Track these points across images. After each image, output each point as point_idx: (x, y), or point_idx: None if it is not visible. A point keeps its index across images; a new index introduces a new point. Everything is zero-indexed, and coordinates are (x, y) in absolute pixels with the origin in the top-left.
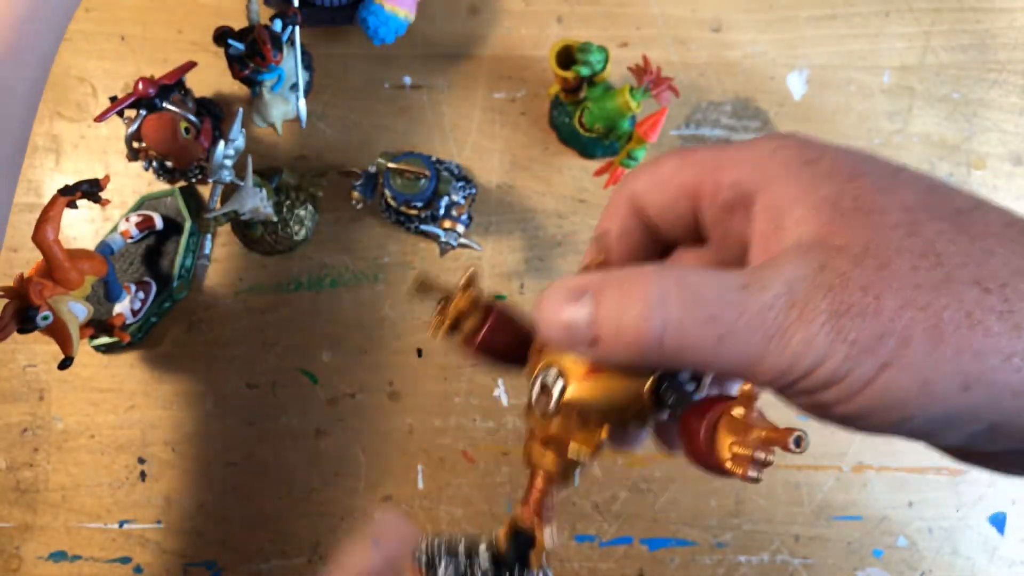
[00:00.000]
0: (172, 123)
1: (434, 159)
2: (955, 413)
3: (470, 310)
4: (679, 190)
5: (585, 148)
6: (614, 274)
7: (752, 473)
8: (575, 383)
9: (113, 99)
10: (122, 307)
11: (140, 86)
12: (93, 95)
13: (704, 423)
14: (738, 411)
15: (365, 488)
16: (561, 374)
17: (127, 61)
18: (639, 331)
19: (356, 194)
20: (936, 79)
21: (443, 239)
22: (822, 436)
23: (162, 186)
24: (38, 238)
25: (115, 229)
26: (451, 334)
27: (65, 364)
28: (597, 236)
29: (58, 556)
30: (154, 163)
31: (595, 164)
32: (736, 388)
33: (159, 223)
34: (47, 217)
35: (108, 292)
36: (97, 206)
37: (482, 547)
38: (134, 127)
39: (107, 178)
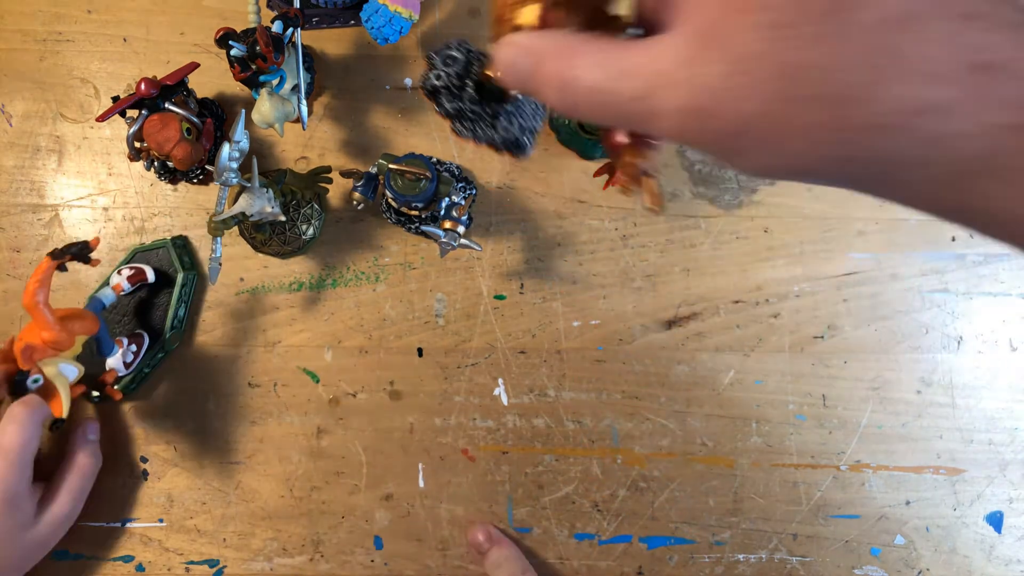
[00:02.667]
0: (174, 123)
1: (434, 160)
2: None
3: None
4: None
5: (585, 149)
6: None
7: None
8: None
9: (115, 100)
10: (114, 361)
11: (142, 86)
12: (96, 96)
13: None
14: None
15: (366, 487)
16: None
17: (130, 63)
18: None
19: (357, 195)
20: None
21: (444, 240)
22: (821, 436)
23: (164, 186)
24: (28, 303)
25: (107, 283)
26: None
27: (56, 426)
28: None
29: (60, 555)
30: (155, 163)
31: (594, 165)
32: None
33: (151, 276)
34: (37, 280)
35: (100, 347)
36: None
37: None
38: (136, 127)
39: (96, 240)
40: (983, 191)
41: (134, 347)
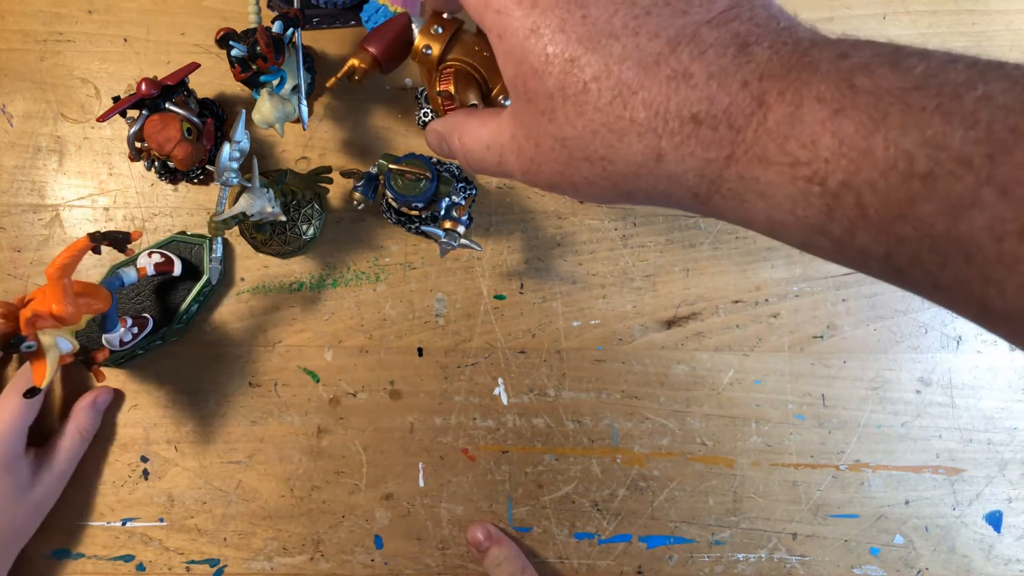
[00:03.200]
0: (174, 124)
1: (434, 160)
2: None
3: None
4: None
5: None
6: None
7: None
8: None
9: (116, 100)
10: (112, 338)
11: (143, 87)
12: (96, 96)
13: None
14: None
15: (366, 486)
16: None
17: (130, 63)
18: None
19: (358, 195)
20: None
21: (444, 240)
22: (820, 435)
23: (164, 186)
24: (52, 273)
25: (133, 261)
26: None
27: (31, 393)
28: None
29: (61, 554)
30: (156, 163)
31: None
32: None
33: (178, 269)
34: (69, 255)
35: (104, 323)
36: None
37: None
38: (136, 127)
39: (138, 233)
40: (718, 205)
41: (135, 328)
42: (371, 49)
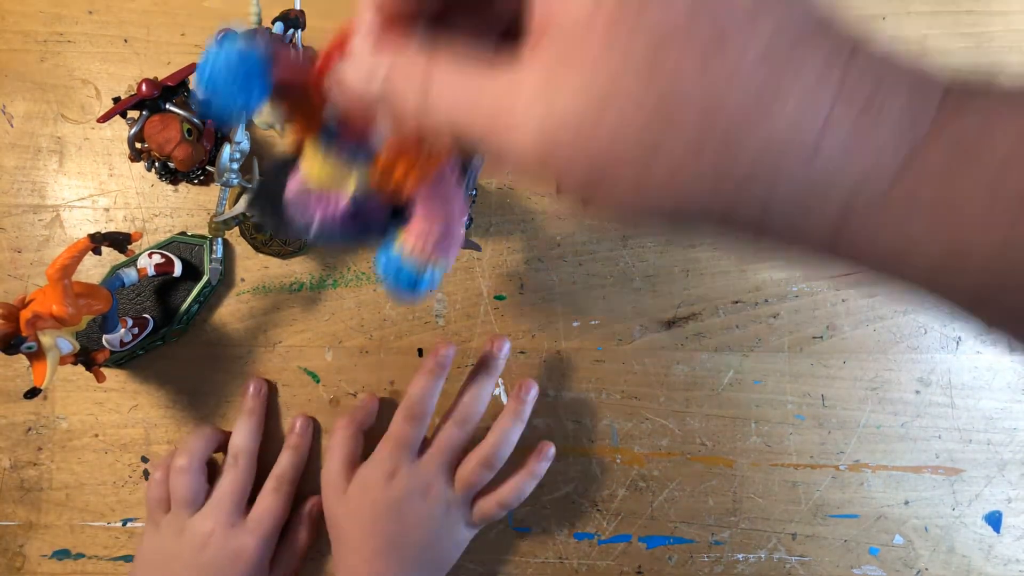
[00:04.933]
0: (175, 124)
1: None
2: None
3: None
4: None
5: None
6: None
7: None
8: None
9: (116, 100)
10: (112, 339)
11: (143, 87)
12: (96, 97)
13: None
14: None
15: None
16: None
17: (131, 64)
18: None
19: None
20: None
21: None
22: (820, 435)
23: (165, 187)
24: (52, 275)
25: (134, 261)
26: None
27: (31, 394)
28: None
29: (62, 554)
30: (156, 164)
31: None
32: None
33: (178, 271)
34: (69, 256)
35: (104, 324)
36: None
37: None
38: (137, 128)
39: (138, 234)
40: (862, 230)
41: (136, 329)
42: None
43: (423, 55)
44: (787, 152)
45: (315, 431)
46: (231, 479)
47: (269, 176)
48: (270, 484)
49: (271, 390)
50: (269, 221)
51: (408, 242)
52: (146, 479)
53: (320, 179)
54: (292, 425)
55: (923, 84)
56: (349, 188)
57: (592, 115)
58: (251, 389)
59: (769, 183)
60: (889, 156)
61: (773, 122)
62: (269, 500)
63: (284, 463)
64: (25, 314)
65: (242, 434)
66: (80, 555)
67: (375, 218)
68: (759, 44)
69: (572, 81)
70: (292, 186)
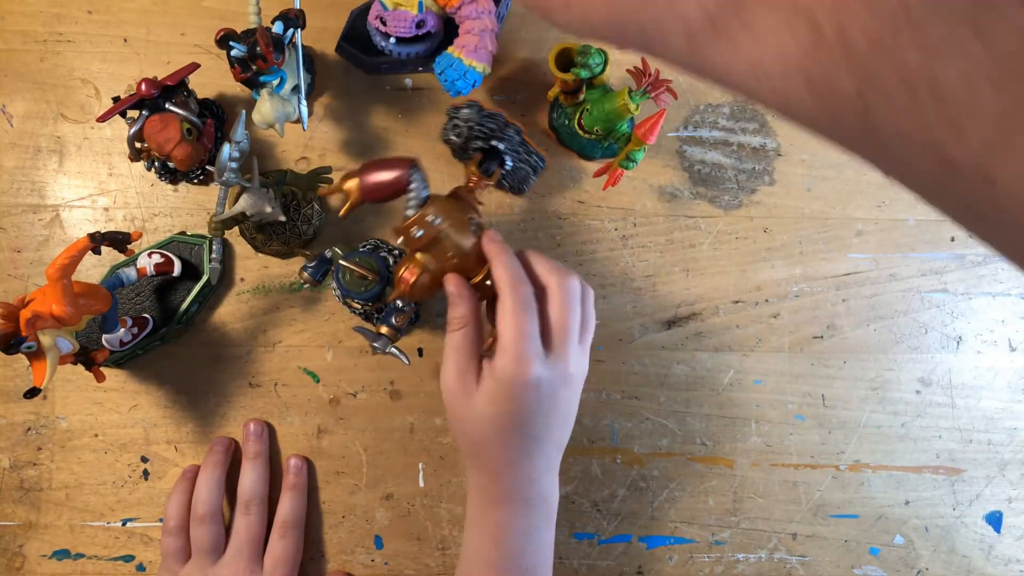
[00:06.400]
0: (174, 124)
1: (396, 252)
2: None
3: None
4: None
5: (584, 150)
6: None
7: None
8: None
9: (116, 100)
10: (112, 339)
11: (143, 87)
12: (96, 97)
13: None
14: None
15: (366, 486)
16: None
17: (130, 63)
18: None
19: (305, 275)
20: None
21: (375, 344)
22: (820, 435)
23: (164, 187)
24: (52, 274)
25: (133, 261)
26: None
27: (31, 394)
28: None
29: (62, 554)
30: (156, 164)
31: (595, 166)
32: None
33: (177, 269)
34: (69, 256)
35: (104, 324)
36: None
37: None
38: (136, 128)
39: (138, 234)
40: (704, 47)
41: (136, 329)
42: (363, 191)
43: None
44: None
45: (310, 468)
46: (246, 527)
47: (357, 18)
48: (277, 532)
49: (271, 431)
50: (354, 57)
51: (456, 50)
52: (146, 479)
53: (396, 2)
54: (287, 466)
55: None
56: (415, 7)
57: None
58: (251, 433)
59: (644, 10)
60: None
61: None
62: (279, 548)
63: (286, 508)
64: (25, 314)
65: (250, 480)
66: (80, 555)
67: (434, 33)
68: None
69: None
70: (373, 12)
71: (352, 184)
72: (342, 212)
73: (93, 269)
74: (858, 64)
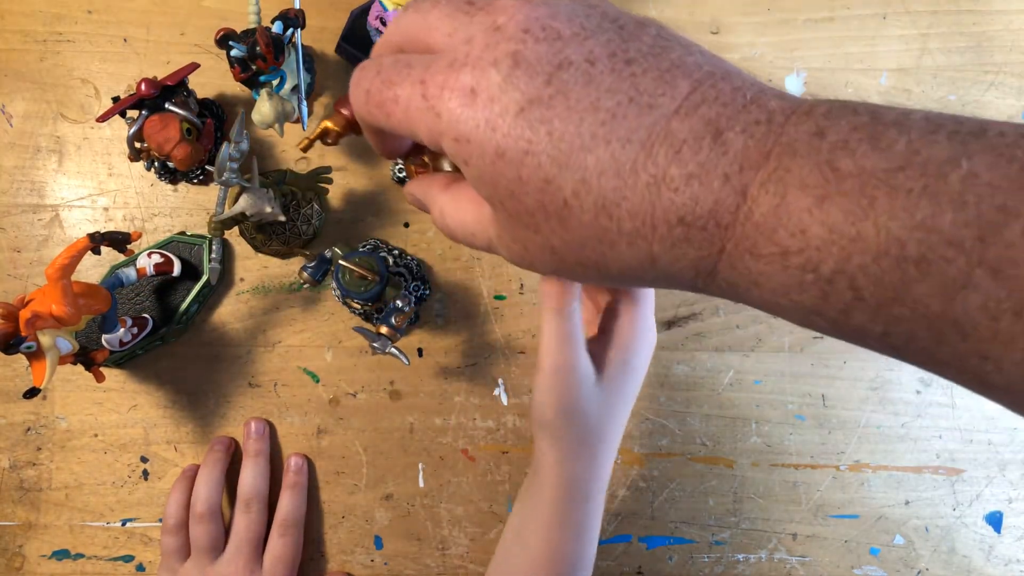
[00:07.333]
0: (174, 124)
1: (396, 252)
2: None
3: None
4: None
5: None
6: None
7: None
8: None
9: (116, 100)
10: (112, 339)
11: (142, 87)
12: (96, 97)
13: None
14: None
15: (366, 486)
16: None
17: (130, 63)
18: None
19: (305, 275)
20: (933, 81)
21: (375, 344)
22: (820, 436)
23: (164, 187)
24: (52, 274)
25: (133, 261)
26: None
27: (31, 394)
28: None
29: (61, 554)
30: (155, 164)
31: None
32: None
33: (177, 269)
34: (68, 256)
35: (104, 324)
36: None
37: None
38: (136, 127)
39: (137, 234)
40: (716, 293)
41: (135, 329)
42: (345, 112)
43: (439, 188)
44: (634, 265)
45: (310, 468)
46: (246, 526)
47: (357, 18)
48: (276, 531)
49: (272, 430)
50: (354, 57)
51: None
52: (145, 479)
53: (396, 2)
54: (287, 464)
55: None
56: None
57: (525, 254)
58: (252, 431)
59: (634, 280)
60: (705, 253)
61: (615, 252)
62: (278, 546)
63: (286, 506)
64: (24, 314)
65: (251, 478)
66: (79, 555)
67: None
68: (582, 214)
69: (506, 234)
70: (373, 12)
71: (332, 120)
72: (329, 140)
73: (93, 269)
74: (876, 309)
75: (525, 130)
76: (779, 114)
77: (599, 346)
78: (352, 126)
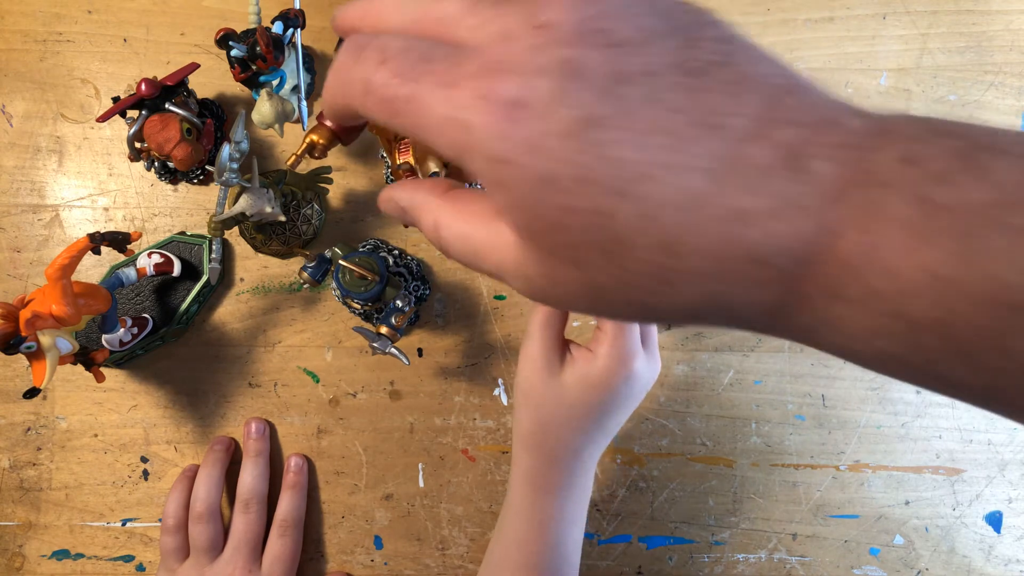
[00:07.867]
0: (174, 124)
1: (396, 252)
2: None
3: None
4: None
5: None
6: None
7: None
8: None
9: (116, 100)
10: (112, 338)
11: (143, 87)
12: (96, 97)
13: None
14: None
15: (366, 486)
16: None
17: (130, 63)
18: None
19: (305, 275)
20: (933, 81)
21: (375, 344)
22: (820, 436)
23: (164, 187)
24: (52, 274)
25: (133, 261)
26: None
27: (31, 394)
28: None
29: (61, 554)
30: (155, 164)
31: None
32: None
33: (177, 269)
34: (68, 256)
35: (104, 324)
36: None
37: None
38: (136, 128)
39: (137, 234)
40: (783, 335)
41: (135, 329)
42: (328, 123)
43: (438, 196)
44: (692, 305)
45: (310, 468)
46: (245, 526)
47: None
48: (276, 531)
49: (272, 430)
50: None
51: None
52: (145, 479)
53: None
54: (288, 464)
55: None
56: None
57: (552, 289)
58: (253, 431)
59: (688, 320)
60: (778, 295)
61: (673, 291)
62: (277, 546)
63: (285, 506)
64: (24, 314)
65: (250, 478)
66: (79, 555)
67: None
68: (638, 251)
69: (532, 268)
70: None
71: (316, 133)
72: (316, 154)
73: (93, 269)
74: (971, 359)
75: (579, 154)
76: (863, 136)
77: (580, 350)
78: (338, 137)
